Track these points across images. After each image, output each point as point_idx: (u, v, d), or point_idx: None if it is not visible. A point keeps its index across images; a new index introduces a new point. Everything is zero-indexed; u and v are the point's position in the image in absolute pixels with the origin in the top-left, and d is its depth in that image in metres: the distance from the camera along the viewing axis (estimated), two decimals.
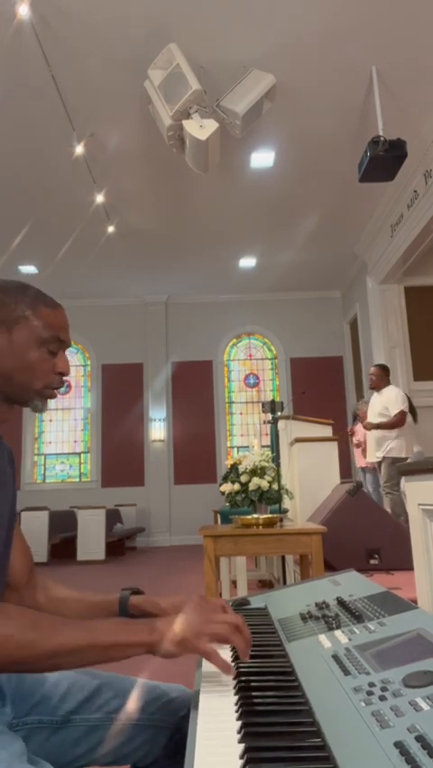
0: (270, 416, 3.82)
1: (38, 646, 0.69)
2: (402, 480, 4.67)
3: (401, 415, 5.39)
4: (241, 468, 2.98)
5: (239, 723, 0.59)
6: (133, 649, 0.74)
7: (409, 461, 5.13)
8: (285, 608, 0.97)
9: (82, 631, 0.73)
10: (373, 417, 5.62)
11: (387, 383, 5.66)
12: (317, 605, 0.92)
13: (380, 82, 4.95)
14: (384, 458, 5.44)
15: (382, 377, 5.64)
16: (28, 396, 0.88)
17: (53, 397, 0.91)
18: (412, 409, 5.89)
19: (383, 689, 0.57)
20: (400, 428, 5.52)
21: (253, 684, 0.68)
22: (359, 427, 7.21)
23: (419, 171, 6.09)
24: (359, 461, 7.27)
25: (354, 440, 7.33)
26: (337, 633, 0.77)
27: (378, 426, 5.45)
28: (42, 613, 0.75)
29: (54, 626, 0.72)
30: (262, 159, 6.19)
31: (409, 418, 5.63)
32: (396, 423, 5.39)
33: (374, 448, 5.57)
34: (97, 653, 0.72)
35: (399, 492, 5.26)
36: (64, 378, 0.91)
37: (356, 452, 7.41)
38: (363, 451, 6.91)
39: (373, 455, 5.62)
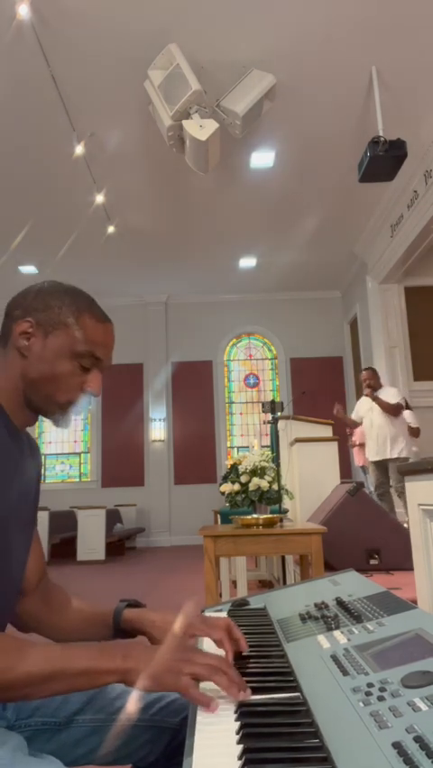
0: (270, 417, 3.82)
1: (5, 675, 0.64)
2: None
3: (397, 406, 5.52)
4: (241, 468, 2.98)
5: (238, 724, 0.59)
6: (105, 677, 0.68)
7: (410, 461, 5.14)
8: (284, 609, 0.97)
9: (51, 658, 0.67)
10: (376, 416, 5.64)
11: (380, 385, 5.83)
12: (316, 605, 0.92)
13: (380, 82, 4.95)
14: (397, 458, 5.45)
15: (376, 379, 5.81)
16: (49, 407, 0.83)
17: (76, 413, 0.85)
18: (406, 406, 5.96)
19: (382, 689, 0.57)
20: (407, 430, 5.56)
21: (251, 685, 0.68)
22: (357, 429, 7.22)
23: (419, 171, 6.09)
24: (358, 459, 7.27)
25: (354, 440, 7.33)
26: (336, 633, 0.77)
27: (376, 399, 5.51)
28: (7, 636, 0.70)
29: (21, 651, 0.66)
30: (262, 159, 6.19)
31: (404, 420, 5.66)
32: (390, 408, 5.51)
33: (387, 446, 5.57)
34: (66, 681, 0.67)
35: None
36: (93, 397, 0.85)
37: (355, 452, 7.41)
38: (362, 449, 6.92)
39: (379, 453, 5.61)
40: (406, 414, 5.93)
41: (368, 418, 5.73)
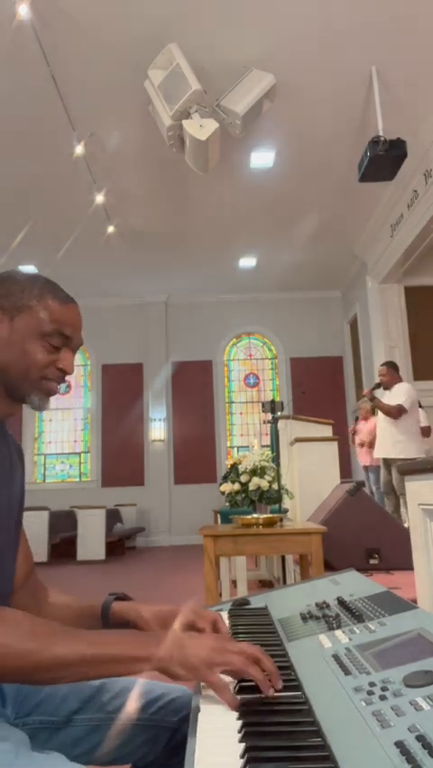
0: (270, 416, 3.82)
1: (34, 657, 0.65)
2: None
3: (399, 408, 5.20)
4: (241, 468, 2.99)
5: (239, 723, 0.58)
6: (139, 664, 0.68)
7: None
8: (285, 608, 0.97)
9: (83, 642, 0.68)
10: (381, 413, 5.56)
11: (398, 380, 5.46)
12: (317, 605, 0.92)
13: (380, 82, 4.95)
14: (394, 459, 5.38)
15: (393, 374, 5.46)
16: (25, 389, 0.84)
17: (53, 391, 0.86)
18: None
19: (384, 688, 0.57)
20: (412, 429, 5.41)
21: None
22: (360, 427, 7.21)
23: (419, 171, 6.09)
24: (362, 459, 7.25)
25: (357, 439, 7.30)
26: (338, 633, 0.77)
27: (374, 400, 5.31)
28: (42, 619, 0.71)
29: (53, 635, 0.67)
30: (262, 159, 6.19)
31: (415, 418, 5.51)
32: (390, 410, 5.20)
33: (388, 445, 5.47)
34: (100, 666, 0.68)
35: None
36: (67, 377, 0.87)
37: (359, 452, 7.39)
38: (367, 449, 6.88)
39: (383, 452, 5.55)
40: (420, 413, 5.73)
41: (379, 415, 5.61)
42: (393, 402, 5.27)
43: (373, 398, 5.35)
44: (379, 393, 5.46)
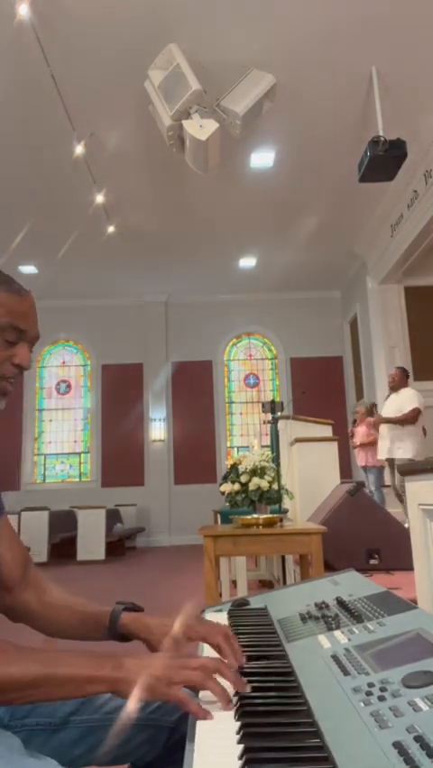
0: (270, 416, 3.82)
1: None
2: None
3: (414, 412, 5.42)
4: (241, 468, 2.99)
5: (238, 723, 0.58)
6: (94, 686, 0.66)
7: None
8: (285, 608, 0.97)
9: (36, 662, 0.65)
10: (387, 415, 5.62)
11: (405, 385, 5.70)
12: (316, 605, 0.92)
13: (380, 82, 4.95)
14: (398, 459, 5.42)
15: (403, 378, 5.71)
16: None
17: (7, 390, 0.83)
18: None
19: (383, 689, 0.57)
20: (415, 430, 5.50)
21: (252, 685, 0.67)
22: (358, 429, 7.22)
23: (419, 171, 6.09)
24: (359, 460, 7.27)
25: (356, 441, 7.31)
26: (337, 633, 0.77)
27: (388, 421, 5.44)
28: None
29: (4, 655, 0.64)
30: (262, 159, 6.19)
31: (421, 421, 5.60)
32: (407, 418, 5.41)
33: (387, 447, 5.54)
34: (52, 687, 0.65)
35: None
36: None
37: (357, 453, 7.40)
38: (366, 450, 6.90)
39: (384, 453, 5.60)
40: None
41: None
42: (405, 406, 5.46)
43: (388, 420, 5.49)
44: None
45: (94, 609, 0.92)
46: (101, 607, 0.92)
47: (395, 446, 5.47)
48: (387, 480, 6.53)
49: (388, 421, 5.47)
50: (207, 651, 0.81)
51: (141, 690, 0.65)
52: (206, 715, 0.62)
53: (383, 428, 5.63)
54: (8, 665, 0.64)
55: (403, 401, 5.52)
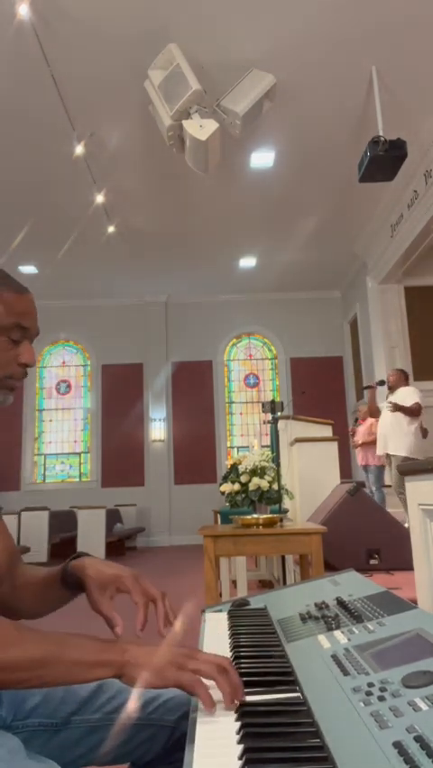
0: (270, 416, 3.82)
1: None
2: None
3: (418, 405, 5.47)
4: (241, 468, 2.99)
5: (238, 723, 0.58)
6: (101, 669, 0.65)
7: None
8: (285, 609, 0.97)
9: (43, 643, 0.65)
10: (385, 413, 5.63)
11: (404, 385, 5.75)
12: (316, 605, 0.92)
13: (380, 82, 4.95)
14: (394, 456, 5.44)
15: (401, 380, 5.76)
16: None
17: (14, 389, 0.84)
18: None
19: (382, 689, 0.57)
20: (409, 429, 5.51)
21: (253, 684, 0.67)
22: (360, 428, 7.22)
23: (419, 171, 6.09)
24: (360, 459, 7.27)
25: (357, 440, 7.31)
26: (337, 633, 0.77)
27: (399, 408, 5.45)
28: (2, 619, 0.67)
29: (11, 636, 0.64)
30: (262, 159, 6.19)
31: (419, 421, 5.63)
32: (414, 409, 5.45)
33: (383, 443, 5.57)
34: (59, 669, 0.65)
35: None
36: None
37: (357, 452, 7.41)
38: (366, 449, 6.91)
39: (381, 449, 5.62)
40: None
41: (383, 414, 5.75)
42: (406, 401, 5.49)
43: (399, 408, 5.49)
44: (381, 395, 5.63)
45: (53, 570, 0.92)
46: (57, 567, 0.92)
47: (390, 441, 5.50)
48: (387, 479, 6.54)
49: (400, 409, 5.47)
50: (207, 646, 0.81)
51: (150, 674, 0.64)
52: (213, 704, 0.61)
53: (383, 424, 5.65)
54: (17, 646, 0.64)
55: (404, 398, 5.55)
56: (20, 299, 0.83)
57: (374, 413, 6.17)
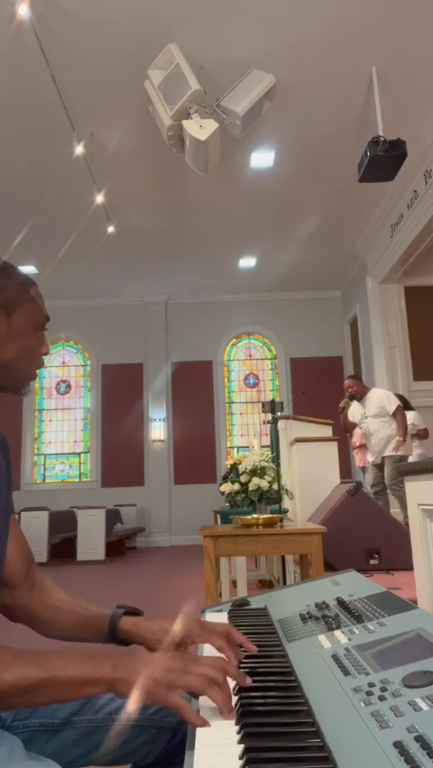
0: (270, 416, 3.82)
1: None
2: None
3: (400, 410, 5.47)
4: (241, 468, 2.99)
5: (238, 724, 0.59)
6: (93, 687, 0.65)
7: (411, 460, 5.14)
8: (285, 609, 0.97)
9: (33, 666, 0.64)
10: (370, 422, 5.60)
11: (366, 389, 5.77)
12: (316, 605, 0.92)
13: (380, 82, 4.95)
14: (388, 456, 5.44)
15: (360, 385, 5.77)
16: (22, 382, 0.84)
17: (36, 377, 0.88)
18: (407, 406, 5.94)
19: (383, 689, 0.57)
20: (411, 431, 5.54)
21: (252, 684, 0.68)
22: (357, 431, 7.22)
23: (419, 171, 6.09)
24: (358, 461, 7.27)
25: (355, 442, 7.31)
26: (337, 633, 0.77)
27: (404, 434, 5.44)
28: None
29: (2, 661, 0.64)
30: (262, 159, 6.19)
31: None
32: (403, 419, 5.46)
33: (380, 447, 5.56)
34: (52, 690, 0.65)
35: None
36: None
37: (355, 453, 7.41)
38: (364, 451, 6.91)
39: (378, 455, 5.61)
40: (410, 415, 5.91)
41: (364, 425, 5.71)
42: (384, 405, 5.52)
43: (404, 435, 5.46)
44: (355, 407, 5.73)
45: (93, 613, 0.91)
46: (101, 610, 0.91)
47: (383, 446, 5.50)
48: (367, 480, 6.48)
49: (405, 434, 5.45)
50: (208, 650, 0.81)
51: (140, 693, 0.64)
52: (204, 723, 0.60)
53: (372, 436, 5.62)
54: (6, 671, 0.63)
55: (381, 402, 5.53)
56: (39, 293, 0.86)
57: (349, 428, 6.12)
